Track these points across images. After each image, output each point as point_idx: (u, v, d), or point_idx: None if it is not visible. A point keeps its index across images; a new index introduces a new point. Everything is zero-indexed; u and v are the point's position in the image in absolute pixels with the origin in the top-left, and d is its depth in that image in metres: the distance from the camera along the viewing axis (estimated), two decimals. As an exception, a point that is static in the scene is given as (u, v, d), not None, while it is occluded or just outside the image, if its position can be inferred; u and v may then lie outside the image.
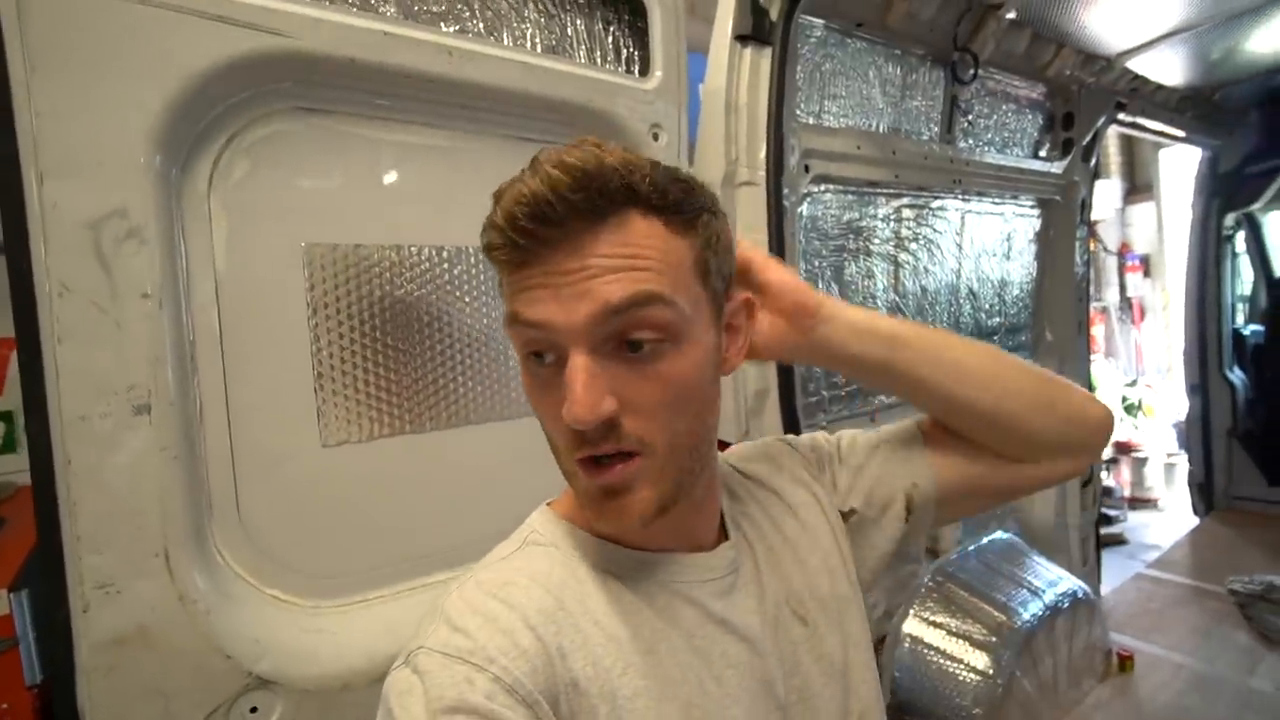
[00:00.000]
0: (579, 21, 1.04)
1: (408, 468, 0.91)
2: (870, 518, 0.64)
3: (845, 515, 0.64)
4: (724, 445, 0.71)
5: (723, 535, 0.59)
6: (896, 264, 1.82)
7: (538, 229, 0.43)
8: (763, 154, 1.30)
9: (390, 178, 0.90)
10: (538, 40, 1.00)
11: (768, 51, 1.29)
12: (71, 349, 0.65)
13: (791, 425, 1.36)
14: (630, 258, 0.44)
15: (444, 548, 0.90)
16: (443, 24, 0.91)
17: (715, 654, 0.52)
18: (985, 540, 2.03)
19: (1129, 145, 5.00)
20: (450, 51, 0.87)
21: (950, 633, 1.73)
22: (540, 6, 1.00)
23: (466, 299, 0.96)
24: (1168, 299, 4.88)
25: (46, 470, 0.65)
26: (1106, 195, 4.79)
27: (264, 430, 0.80)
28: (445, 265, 0.93)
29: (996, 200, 2.05)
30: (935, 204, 1.88)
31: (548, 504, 0.58)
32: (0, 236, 0.64)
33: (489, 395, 0.97)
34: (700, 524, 0.57)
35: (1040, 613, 1.78)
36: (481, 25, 0.95)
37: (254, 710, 0.72)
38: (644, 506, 0.47)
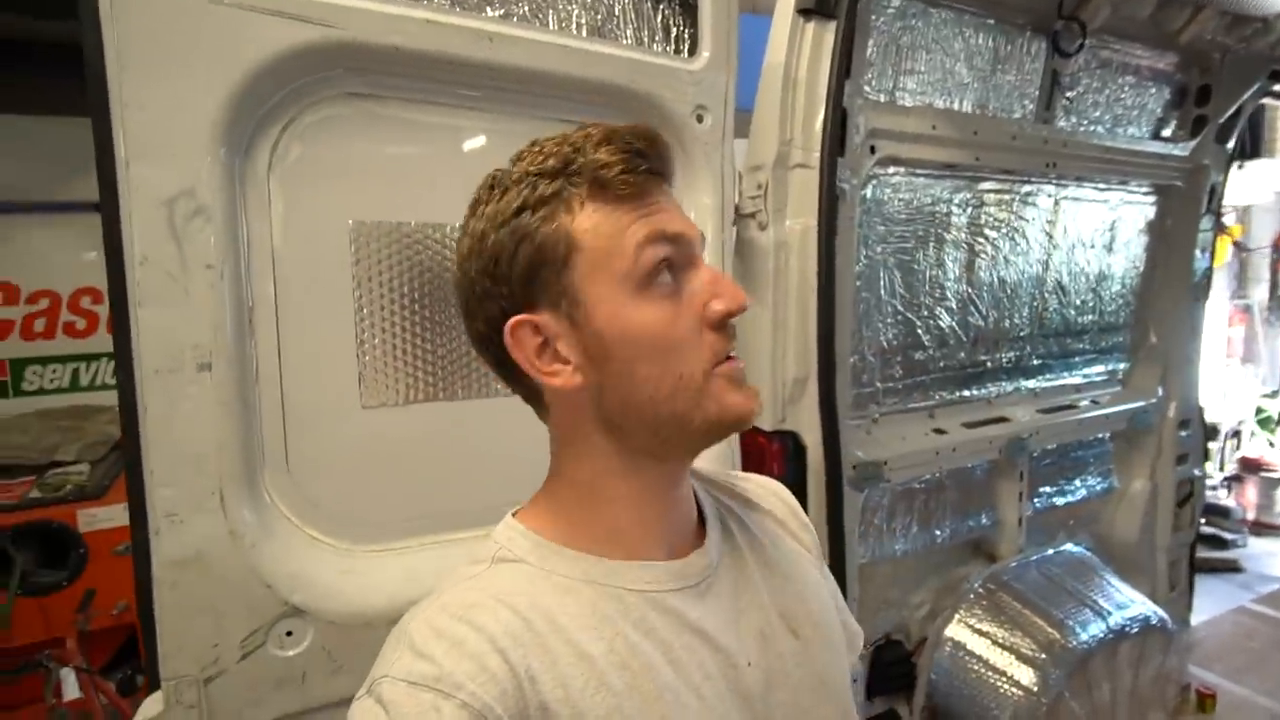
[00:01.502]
0: (627, 0, 1.04)
1: (438, 432, 0.98)
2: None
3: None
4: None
5: (698, 541, 0.58)
6: (972, 253, 1.70)
7: (655, 162, 0.50)
8: (819, 135, 1.25)
9: (433, 159, 0.95)
10: (583, 21, 1.01)
11: (831, 26, 1.22)
12: (149, 311, 0.75)
13: (831, 418, 1.33)
14: None
15: (465, 509, 0.97)
16: (489, 8, 0.94)
17: (692, 665, 0.51)
18: (1050, 551, 1.91)
19: (1299, 120, 4.31)
20: (490, 37, 0.89)
21: (996, 643, 1.66)
22: (587, -14, 1.01)
23: (501, 277, 1.01)
24: (1330, 300, 4.24)
25: (131, 414, 0.76)
26: (1266, 177, 4.17)
27: (311, 390, 0.89)
28: (481, 244, 0.99)
29: (1101, 185, 1.85)
30: (1024, 189, 1.73)
31: (512, 514, 0.57)
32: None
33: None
34: (678, 526, 0.57)
35: (1102, 635, 1.66)
36: (527, 7, 0.97)
37: (289, 634, 0.83)
38: (757, 393, 0.54)
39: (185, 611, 0.79)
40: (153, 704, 0.78)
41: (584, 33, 1.01)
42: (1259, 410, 4.27)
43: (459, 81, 0.91)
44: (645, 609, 0.51)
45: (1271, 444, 4.27)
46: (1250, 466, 4.22)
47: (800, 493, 1.34)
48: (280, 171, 0.84)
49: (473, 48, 0.89)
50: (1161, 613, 1.80)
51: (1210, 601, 2.43)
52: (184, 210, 0.76)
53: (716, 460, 1.14)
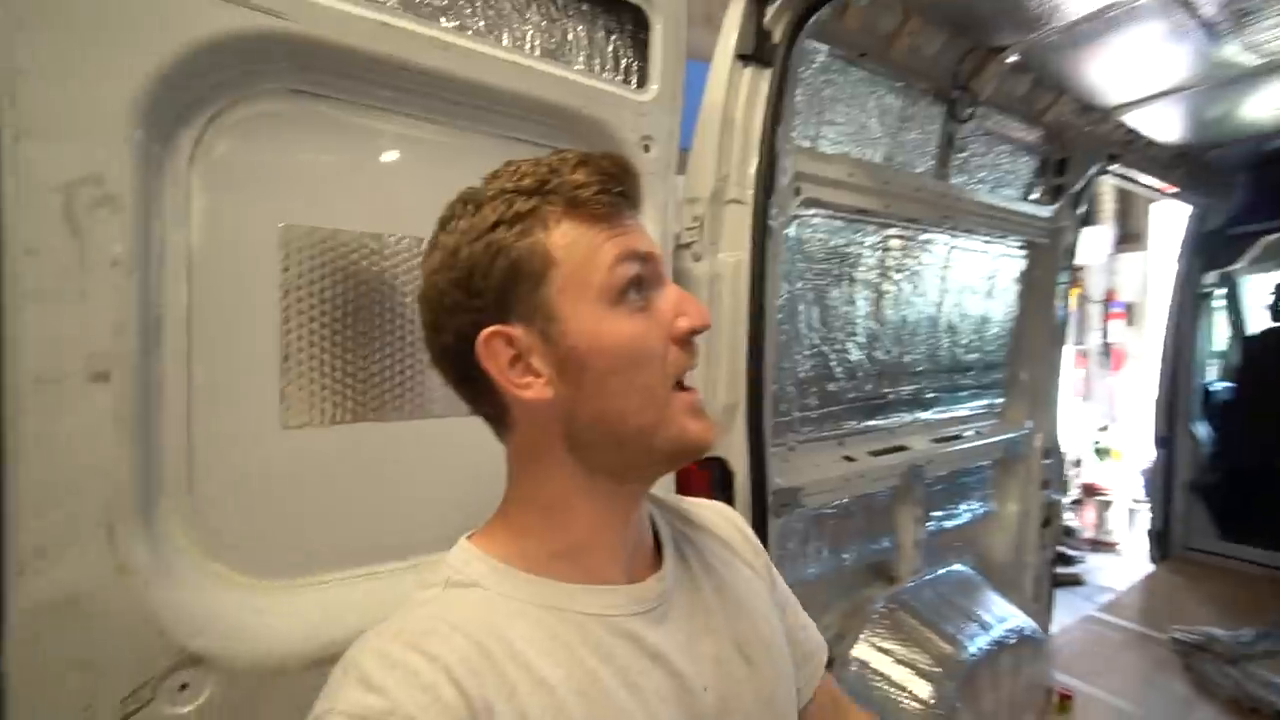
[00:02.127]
0: (580, 27, 1.05)
1: (366, 456, 0.91)
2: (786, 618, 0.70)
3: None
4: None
5: (655, 565, 0.59)
6: (879, 292, 1.84)
7: (628, 186, 0.54)
8: (753, 173, 1.32)
9: (376, 167, 0.90)
10: (537, 42, 1.01)
11: (768, 73, 1.30)
12: (33, 310, 0.65)
13: (758, 444, 1.37)
14: None
15: (394, 539, 0.91)
16: (443, 18, 0.91)
17: (649, 690, 0.51)
18: (942, 571, 2.07)
19: (1123, 195, 5.08)
20: (447, 47, 0.87)
21: (897, 660, 1.76)
22: (543, 9, 1.01)
23: (442, 293, 0.96)
24: (1145, 348, 4.98)
25: (-3, 430, 0.65)
26: (1098, 242, 4.86)
27: (224, 407, 0.80)
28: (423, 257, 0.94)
29: (984, 238, 2.08)
30: (923, 237, 1.91)
31: (467, 538, 0.57)
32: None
33: (451, 390, 0.97)
34: (636, 550, 0.58)
35: (987, 647, 1.81)
36: (482, 23, 0.95)
37: (184, 687, 0.72)
38: (714, 425, 0.57)
39: (48, 668, 0.66)
40: (1, 784, 0.65)
41: (538, 54, 1.01)
42: (1096, 443, 4.90)
43: (410, 90, 0.87)
44: (603, 634, 0.51)
45: (1105, 472, 4.91)
46: (1090, 491, 4.82)
47: (728, 518, 1.37)
48: (205, 165, 0.76)
49: (428, 56, 0.86)
50: (1032, 623, 1.99)
51: (1061, 612, 2.72)
52: (87, 198, 0.67)
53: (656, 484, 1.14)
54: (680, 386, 0.54)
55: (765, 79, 1.30)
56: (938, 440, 2.05)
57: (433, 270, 0.54)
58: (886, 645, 1.80)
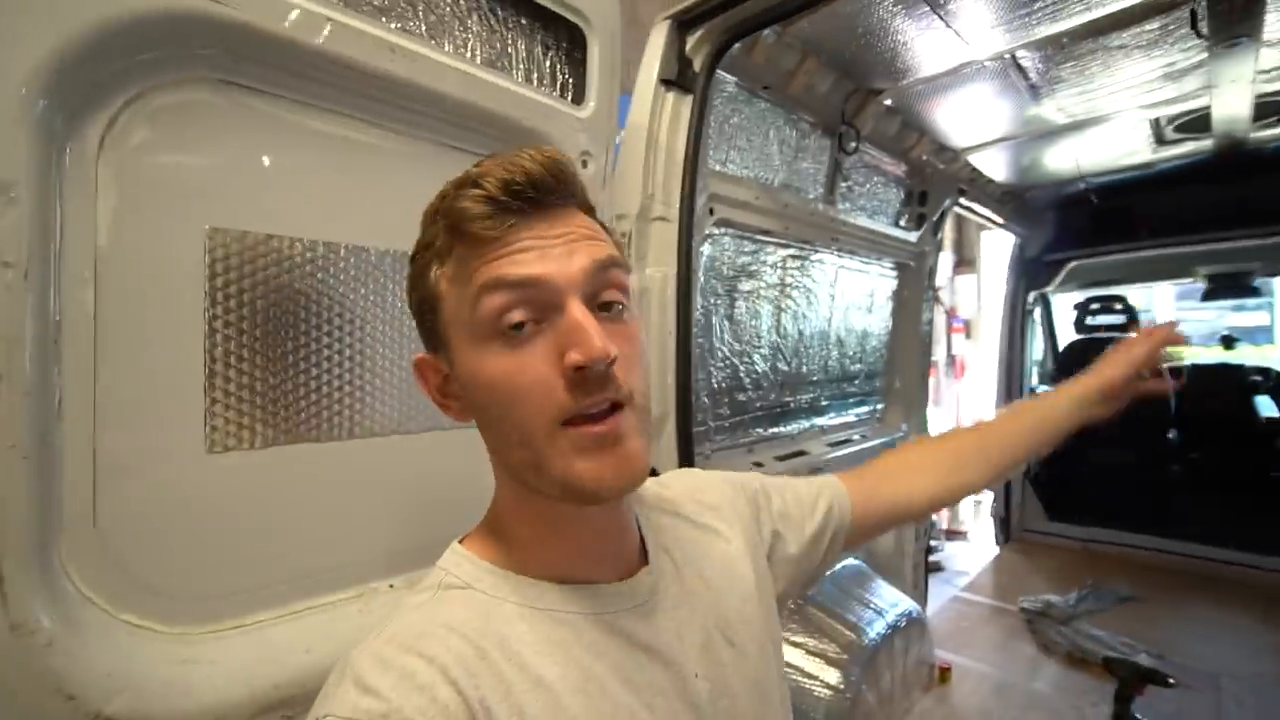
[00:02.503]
0: (520, 41, 1.05)
1: (303, 479, 0.83)
2: (789, 532, 0.70)
3: (771, 536, 0.69)
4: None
5: (642, 560, 0.59)
6: (780, 308, 1.98)
7: (527, 201, 0.48)
8: (678, 193, 1.38)
9: (314, 169, 0.84)
10: (478, 52, 1.00)
11: (689, 98, 1.37)
12: (-99, 319, 0.54)
13: (688, 454, 1.42)
14: (594, 232, 0.51)
15: (338, 566, 0.84)
16: (384, 18, 0.87)
17: (644, 683, 0.52)
18: (838, 566, 2.23)
19: (960, 224, 5.85)
20: (393, 48, 0.84)
21: (809, 651, 1.87)
22: (484, 19, 1.00)
23: (382, 305, 0.91)
24: (982, 358, 5.73)
25: None
26: (940, 265, 5.55)
27: (137, 430, 0.70)
28: (365, 267, 0.89)
29: (864, 259, 2.30)
30: (815, 256, 2.08)
31: (459, 541, 0.56)
32: None
33: (395, 407, 0.92)
34: (625, 549, 0.58)
35: (884, 631, 1.98)
36: (424, 27, 0.92)
37: (101, 757, 0.62)
38: (640, 455, 0.49)
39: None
40: None
41: (479, 63, 1.00)
42: (945, 443, 5.52)
43: (353, 89, 0.83)
44: (596, 633, 0.52)
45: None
46: (942, 487, 5.40)
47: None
48: (117, 156, 0.67)
49: (373, 56, 0.82)
50: (917, 606, 2.20)
51: (930, 596, 3.02)
52: (-24, 187, 0.57)
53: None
54: (574, 421, 0.47)
55: (687, 104, 1.38)
56: (831, 444, 2.22)
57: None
58: (798, 639, 1.91)
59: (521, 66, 1.07)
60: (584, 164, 1.13)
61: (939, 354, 5.80)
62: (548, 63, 1.10)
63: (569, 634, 0.50)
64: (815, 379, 2.20)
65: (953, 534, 5.21)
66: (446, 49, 0.95)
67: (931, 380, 5.76)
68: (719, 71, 1.48)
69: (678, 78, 1.36)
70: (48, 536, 0.63)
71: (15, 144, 0.59)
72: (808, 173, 1.97)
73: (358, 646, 0.46)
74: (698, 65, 1.37)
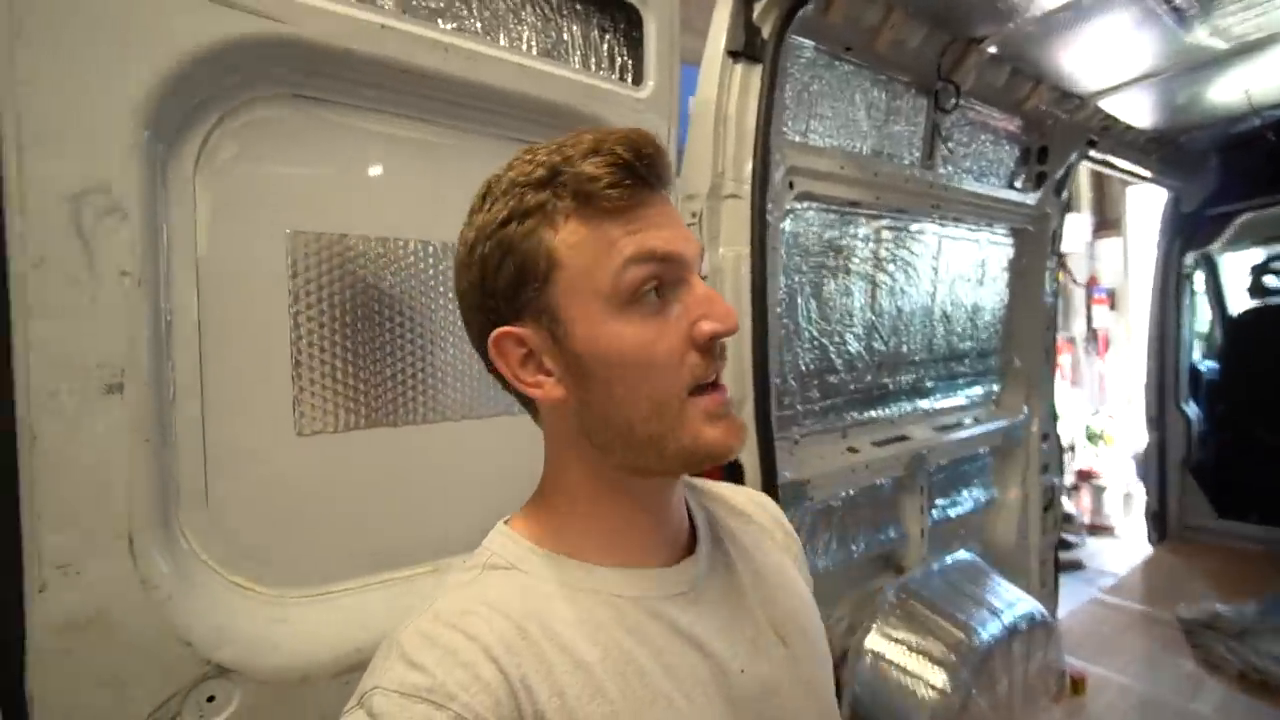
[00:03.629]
0: (575, 27, 1.06)
1: (381, 461, 0.90)
2: None
3: None
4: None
5: (688, 550, 0.59)
6: (874, 284, 1.86)
7: (652, 172, 0.49)
8: (749, 168, 1.33)
9: (380, 170, 0.90)
10: (533, 43, 1.02)
11: (758, 69, 1.32)
12: (44, 323, 0.64)
13: (767, 439, 1.37)
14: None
15: (413, 543, 0.90)
16: (440, 20, 0.91)
17: (684, 671, 0.51)
18: (949, 560, 2.08)
19: (1100, 181, 5.18)
20: (446, 48, 0.87)
21: (911, 649, 1.76)
22: (538, 10, 1.01)
23: (449, 295, 0.96)
24: (1130, 332, 5.06)
25: (10, 446, 0.63)
26: (1077, 229, 4.95)
27: (238, 416, 0.79)
28: (431, 260, 0.94)
29: (972, 227, 2.11)
30: (914, 227, 1.93)
31: (504, 522, 0.57)
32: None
33: (465, 393, 0.97)
34: (676, 534, 0.58)
35: (999, 633, 1.82)
36: (479, 24, 0.95)
37: (211, 699, 0.71)
38: (744, 423, 0.52)
39: (75, 685, 0.65)
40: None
41: (535, 53, 1.01)
42: (1088, 428, 4.96)
43: (412, 92, 0.88)
44: (638, 615, 0.51)
45: (1097, 456, 4.96)
46: (1084, 476, 4.86)
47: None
48: (211, 171, 0.76)
49: (428, 58, 0.86)
50: (1042, 608, 2.00)
51: (1065, 597, 2.73)
52: (95, 208, 0.66)
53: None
54: (700, 390, 0.50)
55: (756, 74, 1.32)
56: (938, 429, 2.06)
57: (457, 266, 0.54)
58: (899, 635, 1.81)
59: (578, 52, 1.07)
60: (645, 146, 1.12)
61: (1076, 328, 5.20)
62: (605, 46, 1.10)
63: (610, 615, 0.51)
64: (917, 359, 2.04)
65: (1096, 529, 4.68)
66: (502, 43, 0.98)
67: (1067, 358, 5.19)
68: (792, 37, 1.41)
69: (745, 48, 1.31)
70: (169, 510, 0.73)
71: (126, 170, 0.68)
72: (901, 136, 1.82)
73: (404, 623, 0.48)
74: (766, 33, 1.31)
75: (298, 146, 0.82)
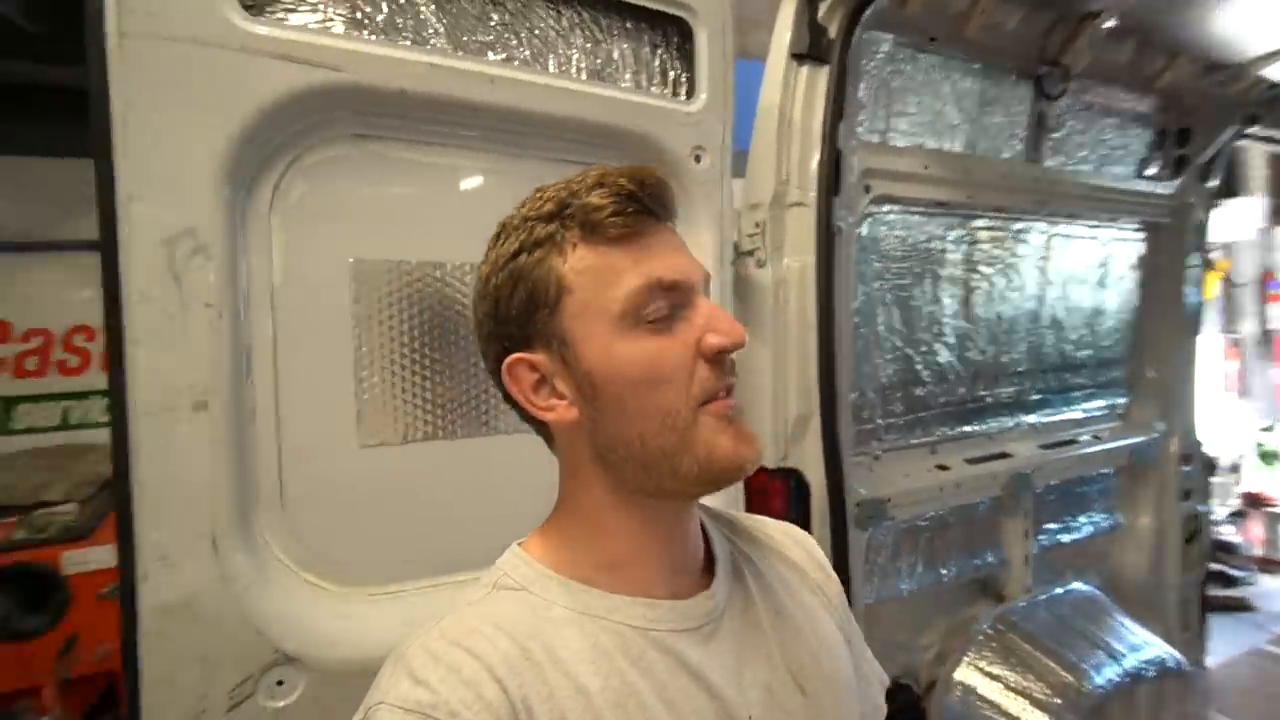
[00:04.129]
0: (625, 45, 1.07)
1: (439, 471, 0.96)
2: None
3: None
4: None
5: (705, 582, 0.57)
6: (968, 289, 1.72)
7: (655, 202, 0.51)
8: (815, 174, 1.27)
9: (434, 199, 0.96)
10: (583, 65, 1.04)
11: (825, 70, 1.26)
12: (145, 350, 0.75)
13: (835, 455, 1.31)
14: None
15: (467, 549, 0.94)
16: (490, 52, 0.96)
17: (688, 710, 0.50)
18: (1060, 591, 1.87)
19: (1277, 161, 4.43)
20: (492, 79, 0.92)
21: (1008, 687, 1.60)
22: (586, 32, 1.04)
23: (501, 314, 1.00)
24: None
25: (123, 454, 0.75)
26: (1246, 216, 4.27)
27: (308, 429, 0.87)
28: (482, 282, 0.99)
29: (1091, 223, 1.88)
30: (1016, 226, 1.76)
31: (519, 544, 0.57)
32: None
33: (515, 408, 1.01)
34: (682, 565, 0.57)
35: (1118, 679, 1.62)
36: (528, 52, 0.99)
37: (280, 683, 0.80)
38: (756, 434, 0.52)
39: (173, 659, 0.76)
40: (133, 760, 0.74)
41: (584, 76, 1.04)
42: (1259, 445, 4.26)
43: (461, 123, 0.93)
44: (644, 647, 0.51)
45: (1272, 478, 4.25)
46: (1254, 501, 4.19)
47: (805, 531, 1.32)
48: (282, 210, 0.85)
49: (474, 90, 0.91)
50: (1178, 655, 1.75)
51: (1223, 642, 2.36)
52: (184, 249, 0.76)
53: (722, 499, 1.12)
54: (711, 400, 0.51)
55: (823, 76, 1.26)
56: (1046, 446, 1.86)
57: (474, 300, 0.57)
58: (995, 670, 1.66)
59: (629, 70, 1.08)
60: (697, 159, 1.11)
61: (1246, 330, 4.48)
62: (656, 62, 1.11)
63: (616, 644, 0.50)
64: (1021, 369, 1.86)
65: (1268, 564, 4.02)
66: (551, 69, 1.01)
67: (1233, 364, 4.48)
68: (867, 33, 1.34)
69: (810, 49, 1.25)
70: (248, 510, 0.82)
71: (211, 215, 0.78)
72: (1000, 129, 1.67)
73: (410, 639, 0.50)
74: (833, 32, 1.25)
75: (359, 182, 0.89)
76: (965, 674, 1.67)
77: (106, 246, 0.74)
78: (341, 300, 0.89)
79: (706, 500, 0.62)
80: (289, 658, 0.80)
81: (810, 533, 1.34)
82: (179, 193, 0.76)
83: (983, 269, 1.73)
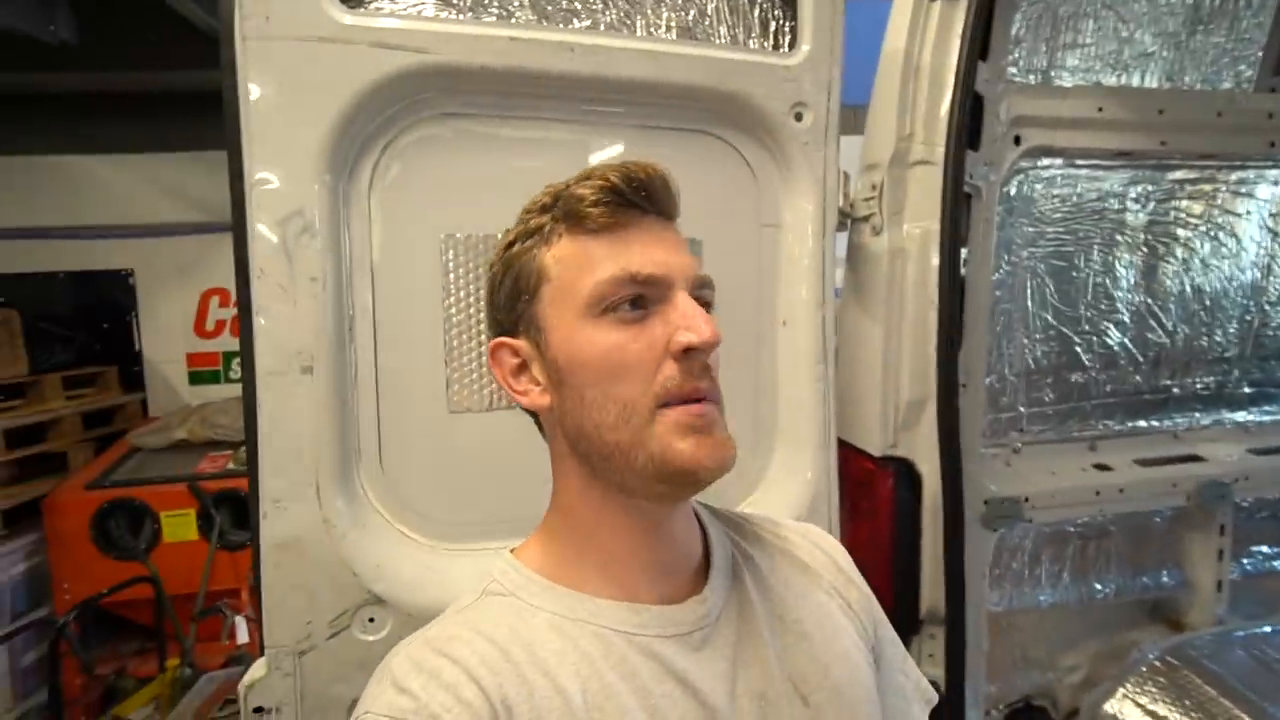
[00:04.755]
0: (721, -3, 0.99)
1: (519, 438, 0.99)
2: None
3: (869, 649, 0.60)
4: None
5: (699, 587, 0.55)
6: (1155, 256, 1.42)
7: (641, 199, 0.51)
8: (944, 128, 1.11)
9: (520, 172, 0.97)
10: (673, 23, 0.98)
11: (962, 4, 1.08)
12: (264, 319, 0.85)
13: (952, 446, 1.17)
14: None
15: (539, 516, 0.98)
16: (575, 20, 0.94)
17: (673, 717, 0.49)
18: (1268, 629, 1.53)
19: None
20: (573, 48, 0.90)
21: (1174, 730, 1.36)
22: (678, -14, 0.98)
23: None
24: None
25: (251, 411, 0.86)
26: None
27: (404, 393, 0.95)
28: (563, 255, 0.99)
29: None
30: (1234, 177, 1.41)
31: (511, 551, 0.59)
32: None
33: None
34: (680, 566, 0.55)
35: (1334, 744, 1.30)
36: (614, 15, 0.96)
37: (371, 620, 0.89)
38: (732, 443, 0.50)
39: (285, 588, 0.87)
40: (258, 668, 0.87)
41: (674, 35, 0.98)
42: None
43: (544, 95, 0.93)
44: (628, 651, 0.50)
45: None
46: None
47: (913, 528, 1.20)
48: (380, 189, 0.91)
49: (554, 61, 0.89)
50: None
51: None
52: (295, 228, 0.84)
53: (807, 487, 1.05)
54: (681, 405, 0.49)
55: (959, 9, 1.08)
56: (1259, 451, 1.51)
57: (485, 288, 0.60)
58: (1160, 710, 1.41)
59: (724, 24, 1.01)
60: (798, 118, 1.01)
61: None
62: (755, 12, 1.02)
63: (598, 649, 0.50)
64: (1228, 355, 1.51)
65: None
66: (639, 30, 0.97)
67: None
68: (1025, -50, 1.12)
69: (946, -22, 1.08)
70: (350, 463, 0.92)
71: (316, 197, 0.85)
72: (1219, 51, 1.33)
73: (396, 650, 0.53)
74: (974, -46, 1.06)
75: (448, 159, 0.93)
76: (1120, 706, 1.44)
77: (237, 227, 0.85)
78: (433, 273, 0.94)
79: (704, 501, 0.60)
80: (379, 599, 0.89)
81: (920, 530, 1.23)
82: (290, 179, 0.84)
83: (1177, 232, 1.42)
